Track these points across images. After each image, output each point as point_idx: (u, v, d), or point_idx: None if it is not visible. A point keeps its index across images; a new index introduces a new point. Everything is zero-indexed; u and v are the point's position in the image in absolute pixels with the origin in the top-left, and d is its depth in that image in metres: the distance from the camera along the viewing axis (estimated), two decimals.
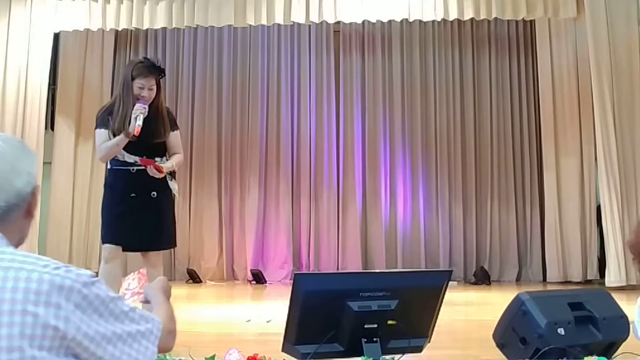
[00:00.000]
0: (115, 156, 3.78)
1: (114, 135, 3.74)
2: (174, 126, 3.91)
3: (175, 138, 3.89)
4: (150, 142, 3.75)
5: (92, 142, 8.77)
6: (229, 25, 8.10)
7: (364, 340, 2.79)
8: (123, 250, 3.83)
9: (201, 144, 9.10)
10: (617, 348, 3.21)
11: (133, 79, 3.74)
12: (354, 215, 8.90)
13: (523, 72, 9.17)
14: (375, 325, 2.75)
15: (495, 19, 7.76)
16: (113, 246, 3.76)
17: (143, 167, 3.73)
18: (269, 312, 5.40)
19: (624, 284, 6.99)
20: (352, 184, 8.97)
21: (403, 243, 8.81)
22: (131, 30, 8.75)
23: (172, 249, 9.00)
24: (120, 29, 7.93)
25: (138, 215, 3.75)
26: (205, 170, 9.05)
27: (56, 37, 8.11)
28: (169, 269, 8.98)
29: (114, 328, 1.34)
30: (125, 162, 3.78)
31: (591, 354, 3.03)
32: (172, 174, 3.86)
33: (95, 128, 3.84)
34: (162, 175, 3.70)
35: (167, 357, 3.07)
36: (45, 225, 8.18)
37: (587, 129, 7.97)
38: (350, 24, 8.45)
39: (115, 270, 3.71)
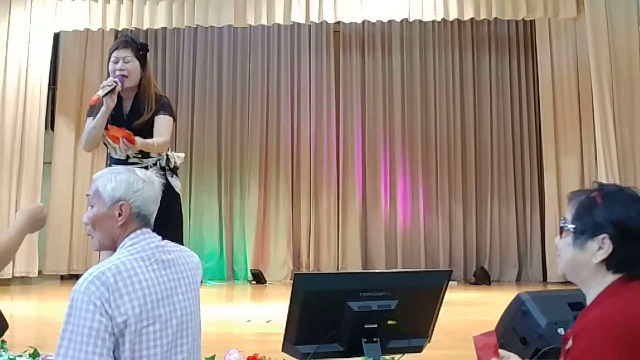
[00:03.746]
0: (110, 154, 3.55)
1: None
2: (161, 110, 3.52)
3: (160, 121, 3.49)
4: (133, 126, 3.42)
5: None
6: (229, 25, 8.11)
7: (364, 340, 2.79)
8: None
9: (201, 144, 9.10)
10: None
11: (110, 54, 3.51)
12: (354, 215, 8.90)
13: (523, 72, 9.17)
14: (375, 325, 2.75)
15: (495, 19, 7.76)
16: None
17: (138, 164, 3.37)
18: (269, 312, 5.40)
19: None
20: (352, 184, 8.97)
21: (403, 243, 8.81)
22: (131, 30, 8.73)
23: None
24: (120, 29, 7.93)
25: None
26: (205, 170, 9.05)
27: (56, 37, 8.11)
28: None
29: None
30: (117, 158, 3.50)
31: None
32: (174, 170, 3.61)
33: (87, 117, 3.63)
34: (136, 148, 3.33)
35: None
36: (45, 225, 8.15)
37: (587, 129, 7.97)
38: (350, 24, 8.45)
39: None
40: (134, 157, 3.48)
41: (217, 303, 6.86)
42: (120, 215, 1.95)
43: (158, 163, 3.53)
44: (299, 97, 9.16)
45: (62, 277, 8.63)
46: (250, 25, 7.94)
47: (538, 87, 8.75)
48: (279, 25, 8.31)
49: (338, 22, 8.09)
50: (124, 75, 3.42)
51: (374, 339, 2.78)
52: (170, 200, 3.46)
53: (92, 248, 2.04)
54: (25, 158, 7.71)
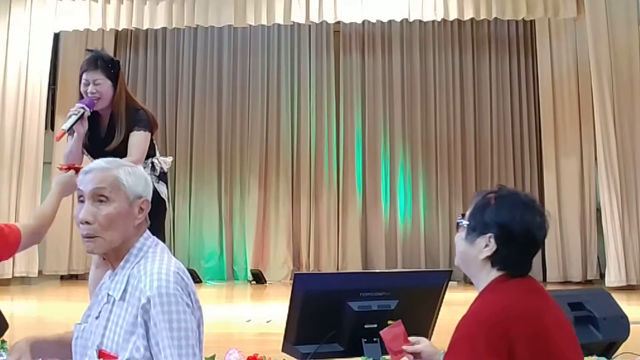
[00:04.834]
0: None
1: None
2: (135, 126, 3.39)
3: (133, 139, 3.36)
4: (106, 148, 3.33)
5: None
6: (229, 25, 8.10)
7: (364, 340, 2.79)
8: None
9: (201, 144, 9.10)
10: (617, 348, 3.21)
11: (81, 74, 3.40)
12: (354, 215, 8.90)
13: (523, 72, 9.17)
14: (375, 325, 2.74)
15: (495, 19, 7.76)
16: None
17: None
18: (269, 312, 5.40)
19: (624, 284, 6.99)
20: (352, 184, 8.97)
21: (403, 243, 8.81)
22: (131, 30, 8.75)
23: (172, 249, 9.09)
24: (120, 29, 7.94)
25: None
26: (205, 170, 9.05)
27: (56, 37, 8.10)
28: None
29: None
30: None
31: (591, 354, 3.03)
32: (161, 176, 3.51)
33: None
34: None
35: None
36: None
37: (587, 129, 7.96)
38: (350, 24, 8.45)
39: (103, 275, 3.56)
40: None
41: (217, 303, 6.86)
42: (140, 213, 1.80)
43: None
44: (299, 97, 9.16)
45: (62, 277, 8.63)
46: (250, 25, 7.94)
47: (538, 87, 8.75)
48: (279, 25, 8.31)
49: (338, 22, 8.09)
50: (97, 98, 3.36)
51: (374, 339, 2.78)
52: (154, 206, 3.45)
53: (89, 251, 1.81)
54: (25, 158, 7.71)
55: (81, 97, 3.41)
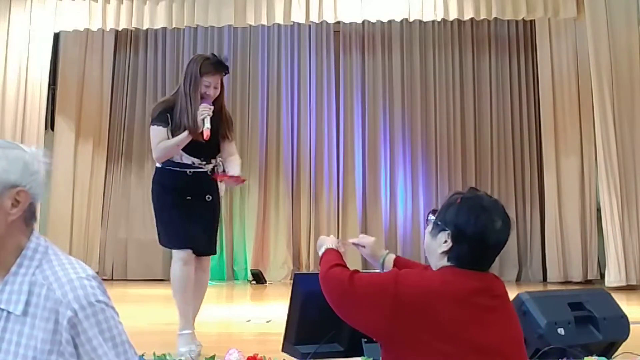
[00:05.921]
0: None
1: (173, 134, 3.47)
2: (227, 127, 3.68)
3: (230, 143, 3.69)
4: (210, 143, 3.50)
5: (92, 142, 8.78)
6: (229, 25, 8.10)
7: (363, 340, 2.79)
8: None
9: None
10: (617, 348, 3.21)
11: (201, 75, 3.50)
12: (354, 215, 8.90)
13: (523, 72, 9.17)
14: None
15: (495, 19, 7.76)
16: (189, 250, 3.50)
17: (201, 170, 3.53)
18: (269, 312, 5.40)
19: (623, 284, 6.99)
20: (352, 184, 8.97)
21: (403, 243, 8.81)
22: (131, 30, 8.75)
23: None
24: (120, 29, 7.94)
25: (197, 219, 3.50)
26: None
27: (56, 37, 8.10)
28: (169, 269, 8.97)
29: None
30: (182, 163, 3.52)
31: (591, 354, 3.03)
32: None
33: (152, 124, 3.55)
34: (242, 183, 3.62)
35: (168, 357, 3.07)
36: (45, 225, 8.17)
37: (588, 129, 7.96)
38: (350, 24, 8.45)
39: (192, 273, 3.52)
40: (199, 163, 3.55)
41: (217, 303, 6.85)
42: (14, 206, 1.41)
43: (216, 169, 3.60)
44: (299, 97, 9.16)
45: None
46: (250, 25, 7.94)
47: (538, 87, 8.75)
48: (279, 25, 8.31)
49: (338, 22, 8.09)
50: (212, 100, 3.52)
51: (374, 339, 2.78)
52: (219, 205, 3.68)
53: None
54: None
55: (189, 93, 3.50)
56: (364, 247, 2.36)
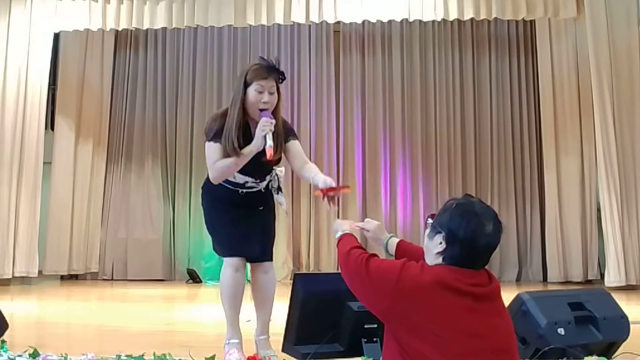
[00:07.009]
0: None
1: (227, 152, 3.14)
2: (290, 136, 3.30)
3: (295, 147, 3.31)
4: (263, 159, 3.11)
5: (92, 142, 8.79)
6: (229, 25, 8.10)
7: (363, 340, 2.79)
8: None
9: (201, 144, 9.04)
10: (617, 348, 3.21)
11: (248, 84, 3.13)
12: (354, 215, 8.88)
13: (523, 72, 9.16)
14: (375, 325, 2.75)
15: (495, 19, 7.75)
16: (240, 257, 3.30)
17: (254, 190, 3.30)
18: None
19: (623, 284, 6.99)
20: (352, 183, 8.94)
21: None
22: (131, 30, 8.75)
23: (172, 249, 9.09)
24: (120, 29, 7.93)
25: (249, 226, 3.30)
26: (205, 170, 8.99)
27: (56, 37, 8.10)
28: (169, 269, 8.99)
29: None
30: (234, 182, 3.26)
31: (591, 354, 3.03)
32: (280, 188, 3.42)
33: (208, 140, 3.23)
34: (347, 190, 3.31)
35: (168, 357, 3.07)
36: (45, 225, 8.17)
37: (588, 129, 7.96)
38: (350, 24, 8.45)
39: (242, 279, 3.37)
40: (252, 182, 3.29)
41: (217, 303, 6.84)
42: None
43: (270, 184, 3.37)
44: (299, 97, 9.16)
45: (62, 277, 8.63)
46: (250, 25, 7.93)
47: (538, 87, 8.75)
48: (279, 25, 8.31)
49: (338, 22, 8.08)
50: (268, 108, 3.14)
51: (374, 339, 2.79)
52: (272, 214, 3.45)
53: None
54: (25, 158, 7.70)
55: (242, 101, 3.18)
56: (368, 231, 2.61)
